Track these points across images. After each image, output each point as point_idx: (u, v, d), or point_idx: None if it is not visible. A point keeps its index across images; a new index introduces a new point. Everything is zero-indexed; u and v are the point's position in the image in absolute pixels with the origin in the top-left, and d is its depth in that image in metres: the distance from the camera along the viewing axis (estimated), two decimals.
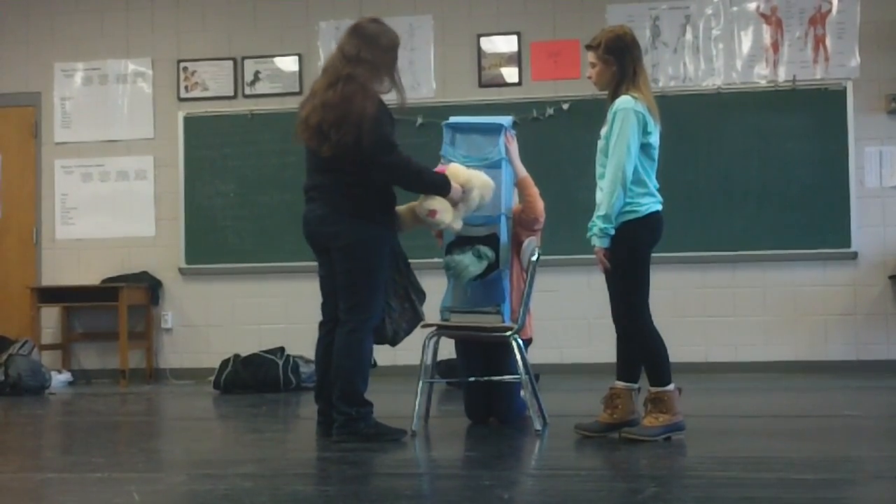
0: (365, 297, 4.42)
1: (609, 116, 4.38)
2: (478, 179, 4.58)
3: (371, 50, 4.41)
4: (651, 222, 4.40)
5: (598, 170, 4.44)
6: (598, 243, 4.34)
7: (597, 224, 4.32)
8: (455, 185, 4.51)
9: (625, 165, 4.28)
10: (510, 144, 4.85)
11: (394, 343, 4.66)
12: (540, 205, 4.90)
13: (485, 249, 4.73)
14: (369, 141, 4.29)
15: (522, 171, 4.90)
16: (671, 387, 4.33)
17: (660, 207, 4.45)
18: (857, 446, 4.41)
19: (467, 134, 4.88)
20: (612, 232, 4.32)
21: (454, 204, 4.52)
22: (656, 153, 4.45)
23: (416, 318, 4.69)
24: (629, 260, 4.37)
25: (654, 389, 4.33)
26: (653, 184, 4.43)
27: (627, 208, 4.35)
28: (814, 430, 4.81)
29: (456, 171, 4.60)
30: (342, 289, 4.46)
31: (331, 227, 4.44)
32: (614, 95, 4.43)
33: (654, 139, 4.41)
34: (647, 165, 4.40)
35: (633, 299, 4.38)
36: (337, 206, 4.42)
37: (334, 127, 4.30)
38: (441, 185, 4.50)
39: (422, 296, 4.73)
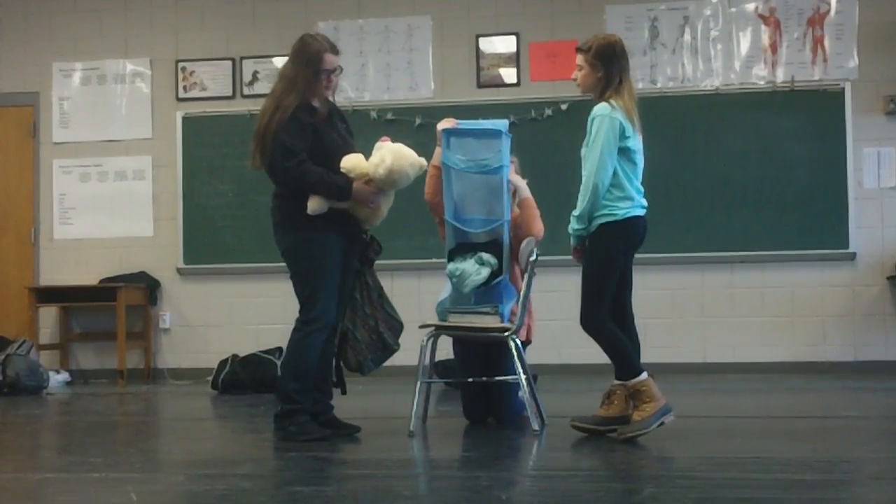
0: (305, 299, 4.58)
1: (588, 124, 4.41)
2: (381, 159, 4.44)
3: (292, 65, 4.60)
4: (629, 227, 4.42)
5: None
6: (572, 242, 4.53)
7: (570, 223, 4.45)
8: (358, 185, 4.48)
9: (598, 169, 4.32)
10: (512, 176, 4.86)
11: (362, 373, 4.76)
12: (538, 225, 4.90)
13: (487, 256, 4.68)
14: (269, 151, 4.51)
15: (525, 193, 4.94)
16: (644, 375, 4.35)
17: (641, 212, 4.46)
18: (855, 447, 4.41)
19: (463, 138, 4.84)
20: (584, 232, 4.43)
21: (366, 202, 4.52)
22: (638, 157, 4.46)
23: (385, 351, 4.76)
24: (598, 261, 4.42)
25: (630, 383, 4.36)
26: (634, 189, 4.44)
27: (605, 211, 4.38)
28: (812, 431, 4.81)
29: (353, 164, 4.49)
30: None
31: (275, 237, 4.67)
32: (597, 102, 4.46)
33: (634, 143, 4.41)
34: (627, 170, 4.41)
35: (593, 299, 4.41)
36: (273, 217, 4.66)
37: (256, 141, 4.58)
38: (340, 193, 4.48)
39: (398, 326, 4.78)
